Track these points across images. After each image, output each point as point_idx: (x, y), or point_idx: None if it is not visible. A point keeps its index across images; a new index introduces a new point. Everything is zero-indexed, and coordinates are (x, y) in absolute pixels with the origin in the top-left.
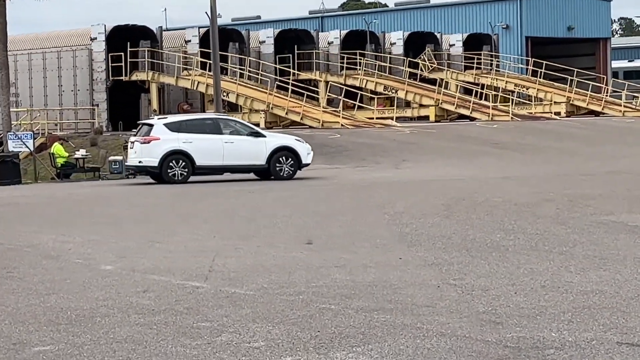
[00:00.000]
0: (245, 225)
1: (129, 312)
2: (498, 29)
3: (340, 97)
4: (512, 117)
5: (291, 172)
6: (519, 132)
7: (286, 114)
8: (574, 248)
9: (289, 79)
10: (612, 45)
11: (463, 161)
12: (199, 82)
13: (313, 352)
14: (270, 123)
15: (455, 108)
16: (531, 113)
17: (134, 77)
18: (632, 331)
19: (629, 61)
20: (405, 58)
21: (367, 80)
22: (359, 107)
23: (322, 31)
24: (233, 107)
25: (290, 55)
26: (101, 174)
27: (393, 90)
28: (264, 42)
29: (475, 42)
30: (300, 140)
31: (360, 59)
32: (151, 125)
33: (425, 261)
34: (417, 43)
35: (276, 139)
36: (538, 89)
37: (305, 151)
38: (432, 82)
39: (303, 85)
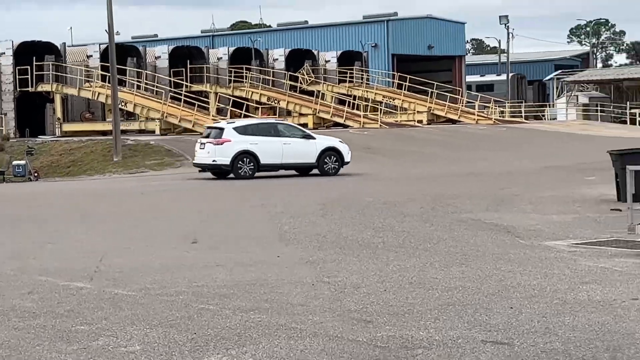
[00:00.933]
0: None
1: (9, 316)
2: (368, 47)
3: (228, 107)
4: (380, 125)
5: (336, 169)
6: (387, 138)
7: (179, 121)
8: (438, 245)
9: (182, 91)
10: (466, 62)
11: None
12: (99, 93)
13: (188, 355)
14: (164, 130)
15: (331, 116)
16: (397, 121)
17: (39, 89)
18: (494, 329)
19: (480, 76)
20: (287, 72)
21: (252, 92)
22: (245, 116)
23: (212, 48)
24: (130, 115)
25: (184, 69)
26: (5, 177)
27: (276, 101)
28: (160, 57)
29: (348, 59)
30: (342, 142)
31: (246, 73)
32: (222, 129)
33: (302, 259)
34: (297, 59)
35: (324, 140)
36: (403, 100)
37: (346, 151)
38: (310, 93)
39: (195, 96)
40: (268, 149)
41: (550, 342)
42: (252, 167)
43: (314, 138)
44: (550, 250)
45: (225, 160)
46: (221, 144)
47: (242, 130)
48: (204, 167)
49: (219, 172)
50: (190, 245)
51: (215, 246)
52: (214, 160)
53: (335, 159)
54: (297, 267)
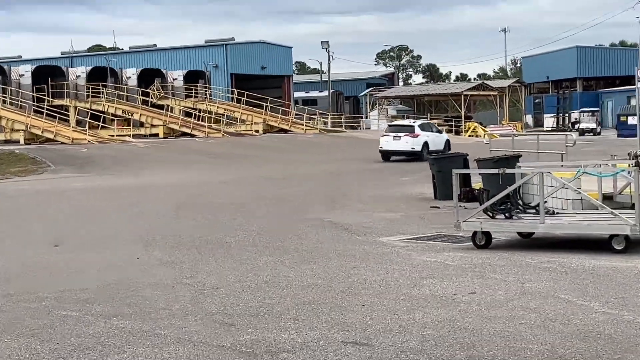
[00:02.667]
0: None
1: None
2: (210, 67)
3: (86, 119)
4: (223, 134)
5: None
6: (230, 145)
7: (42, 132)
8: (285, 243)
9: (44, 105)
10: (293, 81)
11: (187, 169)
12: None
13: None
14: (28, 140)
15: (179, 127)
16: (237, 131)
17: None
18: (352, 328)
19: (305, 92)
20: (139, 88)
21: (108, 106)
22: (103, 127)
23: (71, 67)
24: None
25: (45, 86)
26: None
27: (129, 114)
28: (23, 75)
29: (193, 77)
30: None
31: (102, 89)
32: (412, 126)
33: (161, 260)
34: (148, 77)
35: (445, 135)
36: (242, 113)
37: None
38: (161, 107)
39: (56, 110)
40: (431, 140)
41: (406, 341)
42: (427, 152)
43: (441, 132)
44: (386, 246)
45: (418, 147)
46: (416, 137)
47: (421, 127)
48: (399, 154)
49: (412, 155)
50: (52, 248)
51: (77, 248)
52: (412, 148)
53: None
54: (157, 269)
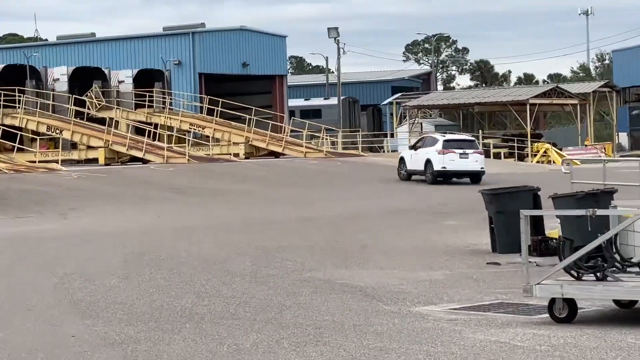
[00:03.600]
0: None
1: None
2: (170, 64)
3: None
4: (189, 159)
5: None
6: (198, 175)
7: None
8: (282, 314)
9: None
10: (287, 84)
11: (139, 209)
12: None
13: None
14: None
15: (127, 150)
16: (209, 155)
17: None
18: None
19: (305, 100)
20: (71, 95)
21: (27, 120)
22: (19, 150)
23: None
24: None
25: None
26: None
27: (58, 131)
28: None
29: (146, 79)
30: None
31: (19, 96)
32: (473, 141)
33: (106, 339)
34: (83, 79)
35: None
36: (215, 129)
37: None
38: (101, 121)
39: None
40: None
41: None
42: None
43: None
44: (425, 319)
45: (484, 166)
46: (482, 154)
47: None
48: (465, 175)
49: (475, 177)
50: None
51: None
52: (481, 167)
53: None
54: (102, 352)
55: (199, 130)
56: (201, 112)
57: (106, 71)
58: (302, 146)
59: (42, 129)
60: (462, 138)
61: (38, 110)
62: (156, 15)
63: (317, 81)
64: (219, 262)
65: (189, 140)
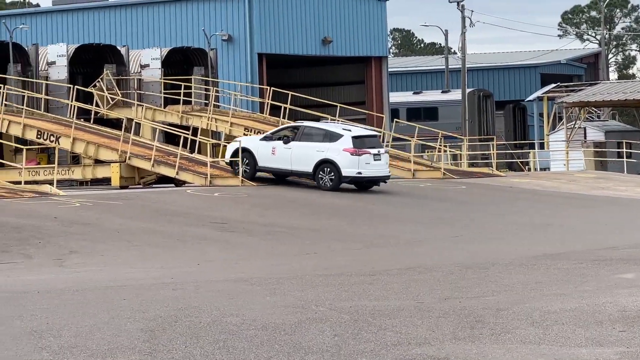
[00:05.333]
0: None
1: None
2: (217, 41)
3: None
4: (242, 181)
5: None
6: (255, 204)
7: None
8: None
9: None
10: (388, 70)
11: (169, 253)
12: None
13: None
14: None
15: (153, 166)
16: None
17: None
18: None
19: (414, 93)
20: (72, 86)
21: (9, 122)
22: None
23: None
24: None
25: None
26: None
27: (52, 138)
28: None
29: (181, 62)
30: None
31: None
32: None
33: None
34: (90, 62)
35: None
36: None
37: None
38: (115, 124)
39: None
40: None
41: None
42: None
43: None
44: None
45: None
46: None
47: None
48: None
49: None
50: None
51: None
52: (389, 172)
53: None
54: None
55: None
56: (261, 111)
57: (123, 51)
58: (409, 161)
59: (31, 134)
60: (368, 133)
61: (24, 107)
62: None
63: (432, 66)
64: (286, 332)
65: None
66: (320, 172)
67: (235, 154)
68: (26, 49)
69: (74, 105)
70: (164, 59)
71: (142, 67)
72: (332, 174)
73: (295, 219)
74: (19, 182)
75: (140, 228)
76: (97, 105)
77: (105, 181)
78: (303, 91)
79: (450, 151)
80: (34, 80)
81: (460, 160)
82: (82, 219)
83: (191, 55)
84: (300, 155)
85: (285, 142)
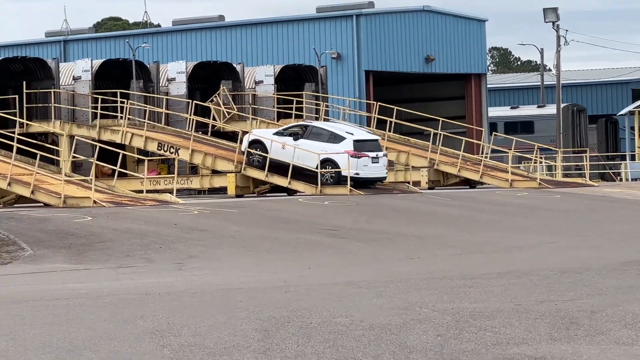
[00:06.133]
0: None
1: None
2: (326, 59)
3: (92, 160)
4: (350, 190)
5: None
6: (363, 211)
7: (9, 185)
8: None
9: (13, 133)
10: (487, 86)
11: (282, 258)
12: None
13: None
14: None
15: (267, 176)
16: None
17: None
18: None
19: (511, 108)
20: (190, 101)
21: (132, 135)
22: (121, 175)
23: (65, 61)
24: None
25: (16, 96)
26: None
27: (172, 149)
28: None
29: (292, 78)
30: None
31: (122, 102)
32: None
33: None
34: (207, 79)
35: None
36: (387, 148)
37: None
38: (231, 137)
39: (35, 141)
40: None
41: None
42: None
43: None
44: None
45: None
46: None
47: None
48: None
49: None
50: None
51: None
52: (386, 173)
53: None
54: None
55: None
56: (368, 125)
57: (238, 68)
58: (507, 172)
59: (152, 146)
60: (369, 138)
61: (146, 121)
62: None
63: (528, 82)
64: (392, 332)
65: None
66: (323, 170)
67: (251, 144)
68: (148, 66)
69: (193, 119)
70: (277, 75)
71: (257, 83)
72: (333, 172)
73: (400, 226)
74: (141, 191)
75: (254, 234)
76: (214, 119)
77: (222, 190)
78: (407, 106)
79: (545, 162)
80: (155, 95)
81: (555, 171)
82: (200, 226)
83: (302, 72)
84: (306, 153)
85: (295, 139)
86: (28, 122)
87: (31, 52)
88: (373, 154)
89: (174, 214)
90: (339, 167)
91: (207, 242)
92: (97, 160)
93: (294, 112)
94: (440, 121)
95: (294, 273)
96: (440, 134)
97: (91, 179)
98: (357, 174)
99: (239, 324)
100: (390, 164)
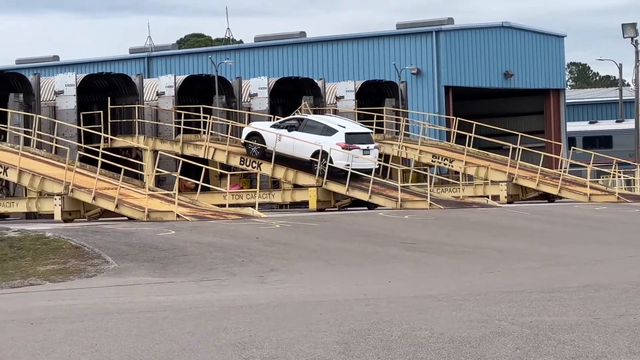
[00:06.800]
0: None
1: None
2: (406, 74)
3: (175, 174)
4: (430, 204)
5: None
6: (442, 225)
7: (94, 199)
8: None
9: (98, 147)
10: (566, 101)
11: (361, 271)
12: None
13: None
14: (70, 214)
15: (347, 190)
16: (458, 197)
17: None
18: None
19: (589, 123)
20: (272, 116)
21: (215, 149)
22: (204, 189)
23: (148, 76)
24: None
25: (101, 111)
26: None
27: (254, 164)
28: (62, 92)
29: (372, 94)
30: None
31: (205, 117)
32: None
33: None
34: (289, 94)
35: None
36: (467, 162)
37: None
38: None
39: (119, 156)
40: None
41: None
42: None
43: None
44: None
45: None
46: None
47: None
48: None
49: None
50: None
51: None
52: (377, 164)
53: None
54: None
55: (445, 165)
56: (448, 140)
57: (319, 83)
58: (586, 186)
59: (234, 161)
60: (361, 130)
61: (229, 136)
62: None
63: (606, 97)
64: (471, 345)
65: (430, 177)
66: (316, 160)
67: (249, 136)
68: (230, 82)
69: (276, 134)
70: (358, 91)
71: (338, 98)
72: (325, 163)
73: (479, 239)
74: (224, 205)
75: (335, 248)
76: None
77: (303, 204)
78: (485, 121)
79: (624, 177)
80: (238, 110)
81: (634, 185)
82: (281, 239)
83: (383, 88)
84: (301, 144)
85: (290, 131)
86: (112, 137)
87: (115, 68)
88: (364, 146)
89: (256, 228)
90: (330, 158)
91: (289, 255)
92: (180, 174)
93: (374, 126)
94: (519, 136)
95: (374, 286)
96: (519, 149)
97: (174, 193)
98: (348, 165)
99: (320, 336)
100: (470, 178)
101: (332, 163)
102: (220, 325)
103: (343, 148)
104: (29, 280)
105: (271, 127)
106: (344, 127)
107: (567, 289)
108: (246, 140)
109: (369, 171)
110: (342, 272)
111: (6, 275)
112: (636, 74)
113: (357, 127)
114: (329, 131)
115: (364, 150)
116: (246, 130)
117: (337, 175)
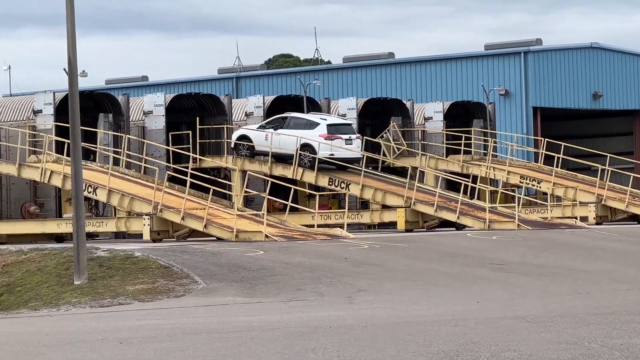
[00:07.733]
0: None
1: None
2: (494, 95)
3: (264, 194)
4: (518, 225)
5: None
6: (530, 246)
7: (182, 219)
8: None
9: (186, 167)
10: None
11: (450, 292)
12: (52, 172)
13: None
14: (158, 233)
15: (436, 211)
16: (546, 218)
17: None
18: None
19: None
20: (361, 137)
21: (303, 170)
22: (292, 209)
23: (237, 97)
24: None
25: (189, 132)
26: None
27: (343, 184)
28: (151, 112)
29: (460, 114)
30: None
31: None
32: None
33: None
34: (376, 115)
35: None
36: (555, 183)
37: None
38: (400, 172)
39: (208, 176)
40: None
41: None
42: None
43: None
44: None
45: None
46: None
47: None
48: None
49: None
50: None
51: None
52: (361, 154)
53: None
54: None
55: (533, 186)
56: (536, 161)
57: (408, 104)
58: None
59: (323, 182)
60: (342, 122)
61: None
62: (472, 27)
63: None
64: None
65: (518, 198)
66: (301, 154)
67: (239, 138)
68: (319, 102)
69: (363, 155)
70: (446, 112)
71: (426, 119)
72: (310, 155)
73: (567, 260)
74: (312, 225)
75: (424, 268)
76: (384, 154)
77: (391, 225)
78: (574, 142)
79: None
80: None
81: None
82: (370, 260)
83: (471, 109)
84: (287, 140)
85: (275, 129)
86: (201, 157)
87: (204, 88)
88: (346, 136)
89: (344, 248)
90: (314, 150)
91: (377, 275)
92: (269, 194)
93: (462, 147)
94: (608, 157)
95: (462, 306)
96: (608, 170)
97: (263, 213)
98: (332, 154)
99: (408, 357)
100: (558, 199)
101: (316, 154)
102: (309, 345)
103: (326, 139)
104: (118, 300)
105: (258, 128)
106: (325, 120)
107: None
108: (236, 142)
109: (352, 160)
110: (430, 292)
111: (96, 295)
112: None
113: (337, 120)
114: (311, 125)
115: (346, 140)
116: (236, 134)
117: (425, 191)
